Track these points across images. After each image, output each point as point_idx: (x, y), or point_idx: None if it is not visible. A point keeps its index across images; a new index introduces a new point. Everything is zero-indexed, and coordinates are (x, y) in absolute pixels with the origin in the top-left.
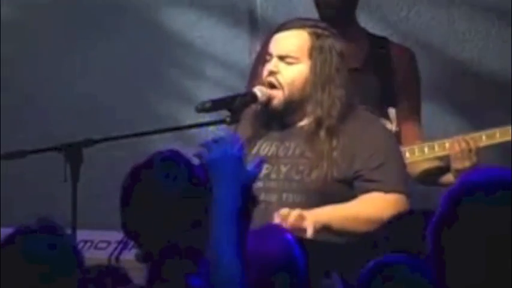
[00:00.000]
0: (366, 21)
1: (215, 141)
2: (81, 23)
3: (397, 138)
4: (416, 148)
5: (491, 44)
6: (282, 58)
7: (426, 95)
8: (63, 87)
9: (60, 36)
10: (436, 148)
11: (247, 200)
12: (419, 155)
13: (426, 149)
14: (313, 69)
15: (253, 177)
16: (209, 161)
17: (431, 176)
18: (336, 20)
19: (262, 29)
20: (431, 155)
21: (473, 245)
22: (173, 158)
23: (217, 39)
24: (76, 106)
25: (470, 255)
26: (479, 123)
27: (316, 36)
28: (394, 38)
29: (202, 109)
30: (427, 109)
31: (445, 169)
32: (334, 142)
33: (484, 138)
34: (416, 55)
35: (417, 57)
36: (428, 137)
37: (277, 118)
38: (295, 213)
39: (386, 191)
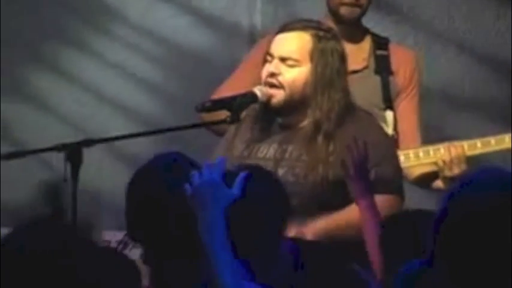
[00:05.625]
0: (366, 20)
1: (199, 171)
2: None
3: (395, 142)
4: (411, 153)
5: (492, 45)
6: (283, 60)
7: (426, 97)
8: (63, 86)
9: (60, 35)
10: (431, 153)
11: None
12: (414, 160)
13: (421, 154)
14: (313, 72)
15: (234, 197)
16: (193, 191)
17: (426, 181)
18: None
19: (262, 33)
20: (427, 161)
21: (473, 243)
22: (177, 159)
23: (216, 44)
24: (77, 105)
25: (471, 254)
26: (478, 125)
27: (318, 38)
28: (394, 38)
29: (202, 109)
30: (426, 111)
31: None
32: (331, 147)
33: (479, 145)
34: (417, 55)
35: (418, 58)
36: (427, 140)
37: (276, 119)
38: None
39: (380, 192)
